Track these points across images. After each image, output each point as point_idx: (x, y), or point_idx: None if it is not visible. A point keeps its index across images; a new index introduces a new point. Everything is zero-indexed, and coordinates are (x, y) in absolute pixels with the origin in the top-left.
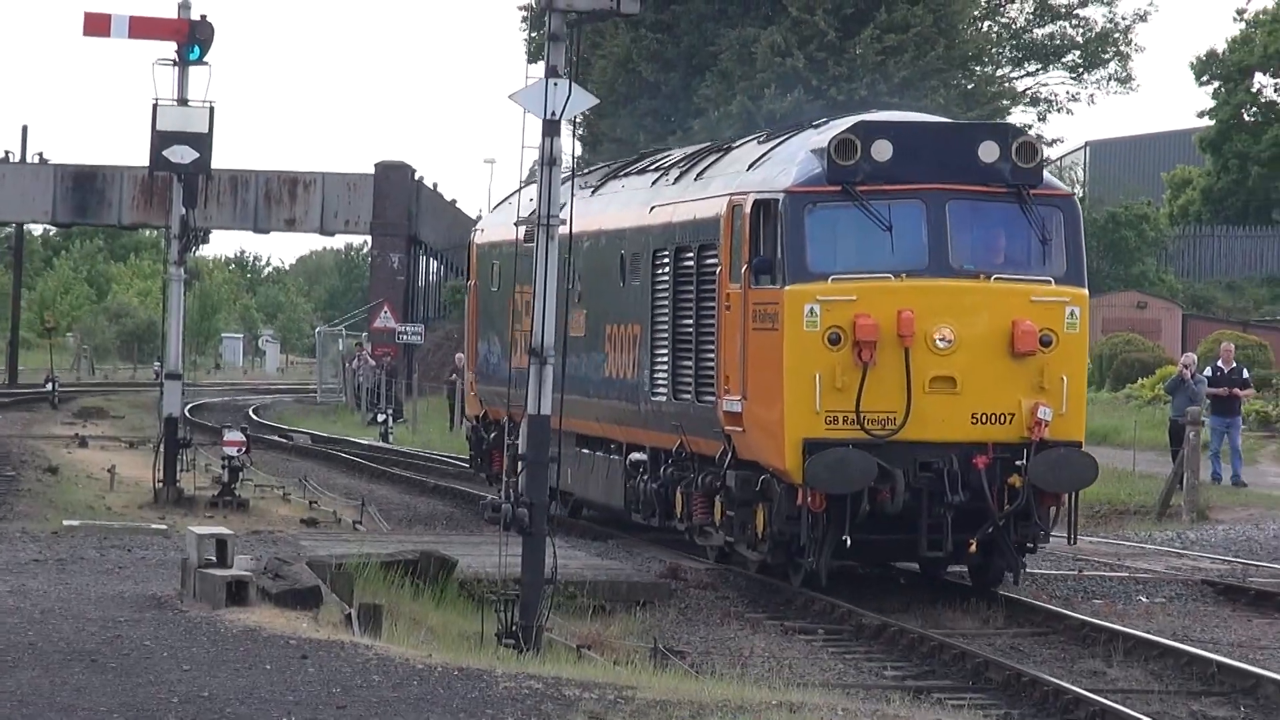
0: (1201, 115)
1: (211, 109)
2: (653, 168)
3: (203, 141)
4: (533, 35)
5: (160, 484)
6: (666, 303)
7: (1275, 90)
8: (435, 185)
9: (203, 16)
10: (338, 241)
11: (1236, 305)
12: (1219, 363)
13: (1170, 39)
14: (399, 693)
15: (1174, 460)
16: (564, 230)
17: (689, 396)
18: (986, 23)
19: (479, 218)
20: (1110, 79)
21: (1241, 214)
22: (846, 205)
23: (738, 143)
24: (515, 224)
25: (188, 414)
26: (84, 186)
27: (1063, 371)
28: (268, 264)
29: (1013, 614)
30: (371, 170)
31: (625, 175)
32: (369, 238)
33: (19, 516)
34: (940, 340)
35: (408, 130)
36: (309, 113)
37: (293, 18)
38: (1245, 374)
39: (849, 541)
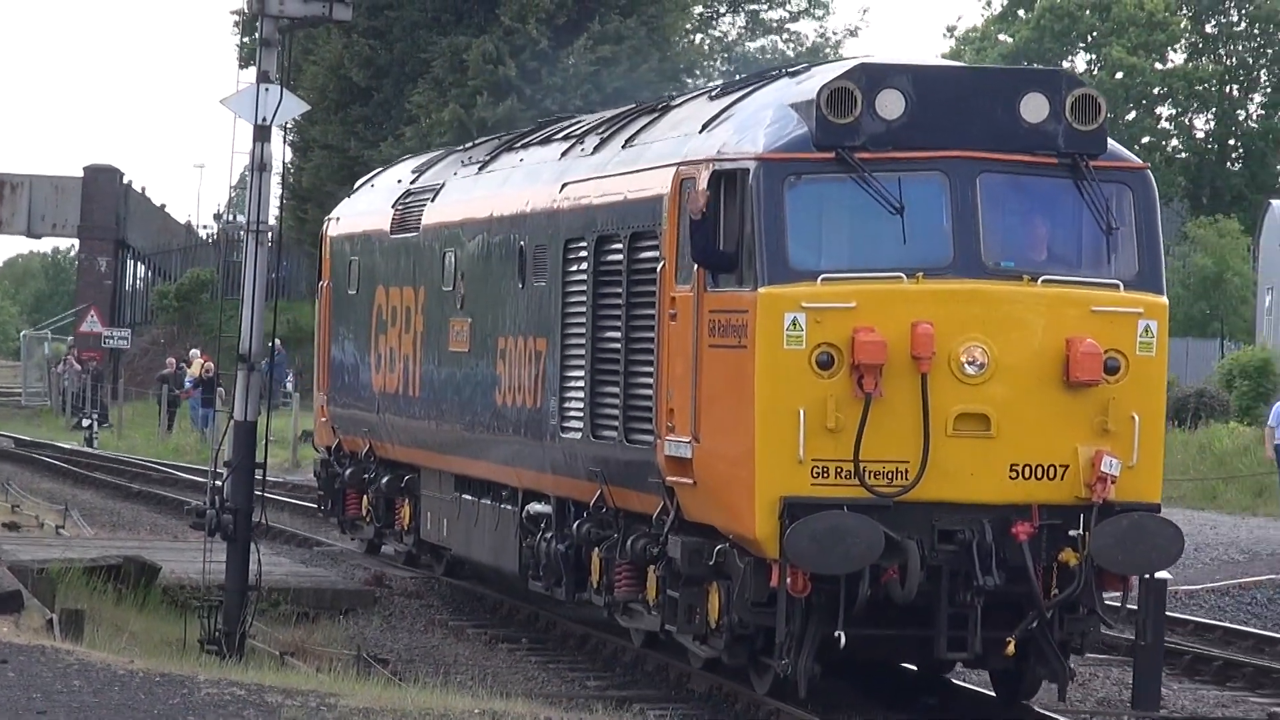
0: None
1: None
2: (561, 135)
3: None
4: (244, 40)
5: None
6: (583, 310)
7: None
8: (144, 190)
9: None
10: (45, 244)
11: None
12: None
13: (880, 55)
14: (100, 698)
15: None
16: (442, 217)
17: (614, 435)
18: (700, 35)
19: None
20: None
21: None
22: (842, 178)
23: (679, 99)
24: (392, 206)
25: None
26: None
27: (1133, 408)
28: None
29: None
30: (80, 173)
31: (524, 146)
32: (77, 241)
33: None
34: (969, 364)
35: (116, 133)
36: (15, 114)
37: None
38: None
39: (843, 639)
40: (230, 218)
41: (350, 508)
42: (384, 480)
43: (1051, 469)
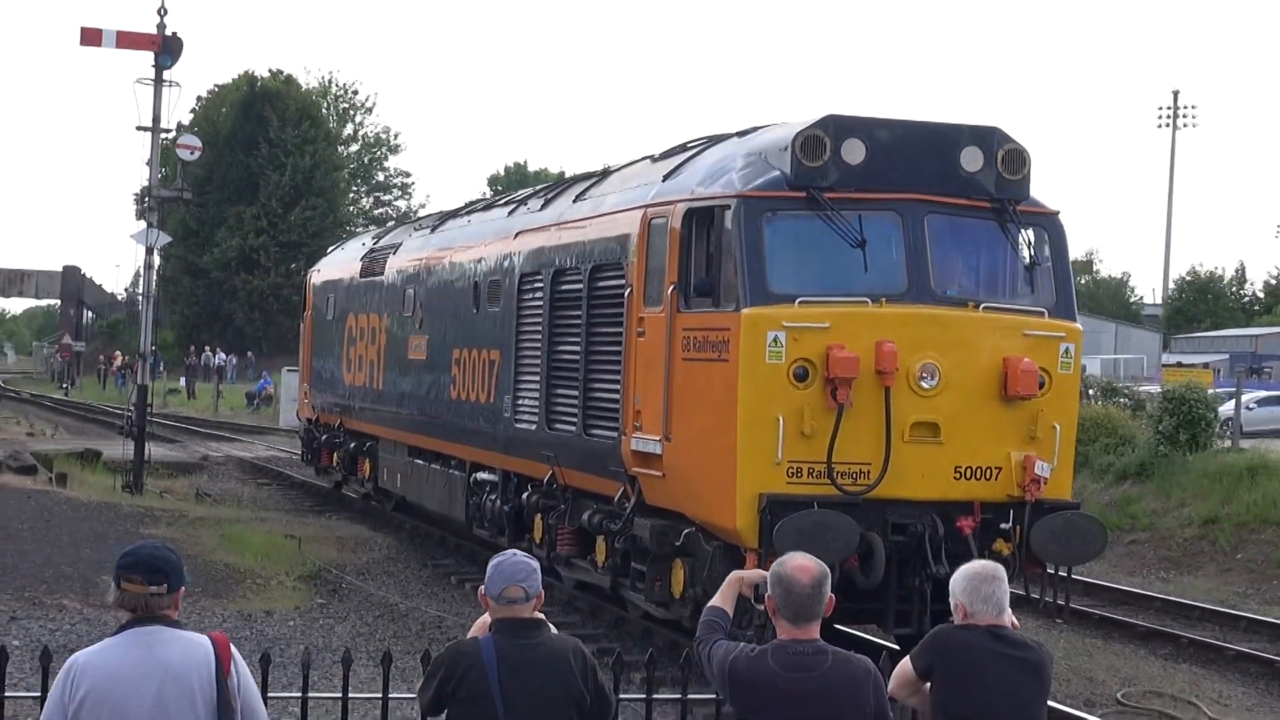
0: None
1: None
2: (502, 203)
3: None
4: (140, 205)
5: None
6: (538, 329)
7: None
8: (91, 276)
9: None
10: (43, 302)
11: None
12: None
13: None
14: (76, 514)
15: None
16: (403, 264)
17: (571, 429)
18: (351, 207)
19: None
20: None
21: None
22: (812, 215)
23: (615, 168)
24: (361, 258)
25: None
26: None
27: (1055, 419)
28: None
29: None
30: (60, 268)
31: (468, 214)
32: (59, 300)
33: None
34: (925, 379)
35: (79, 246)
36: (11, 231)
37: None
38: None
39: None
40: (133, 289)
41: (324, 460)
42: (351, 444)
43: (988, 470)
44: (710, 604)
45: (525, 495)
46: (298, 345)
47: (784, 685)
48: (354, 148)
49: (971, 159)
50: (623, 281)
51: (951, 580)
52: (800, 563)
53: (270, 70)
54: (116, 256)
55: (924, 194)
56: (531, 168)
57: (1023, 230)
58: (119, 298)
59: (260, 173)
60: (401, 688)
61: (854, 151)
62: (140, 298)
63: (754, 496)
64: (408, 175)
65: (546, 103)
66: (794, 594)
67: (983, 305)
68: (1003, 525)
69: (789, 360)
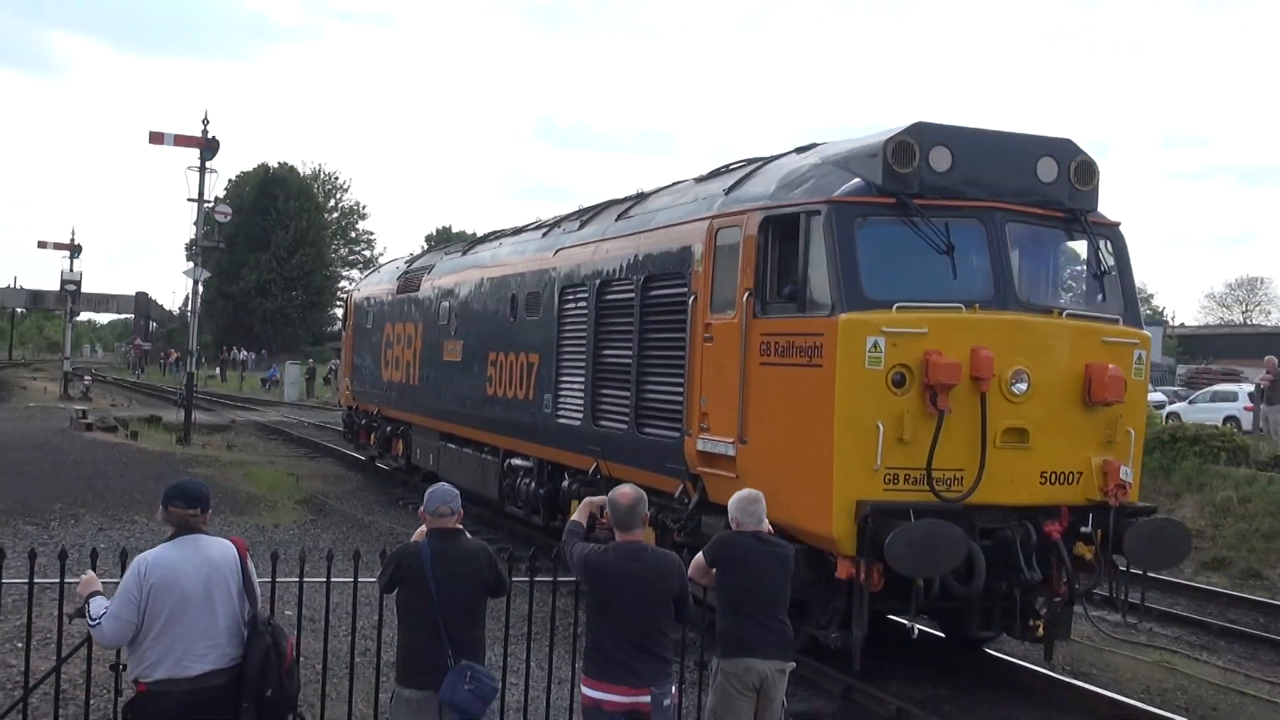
0: None
1: None
2: (533, 228)
3: None
4: (189, 251)
5: (63, 392)
6: (581, 334)
7: None
8: (155, 298)
9: None
10: (121, 316)
11: None
12: None
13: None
14: (144, 459)
15: None
16: (438, 281)
17: (623, 426)
18: (334, 254)
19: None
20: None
21: None
22: (900, 221)
23: (649, 191)
24: (397, 277)
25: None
26: None
27: (1130, 424)
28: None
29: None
30: (134, 293)
31: (497, 239)
32: (133, 315)
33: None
34: (1016, 385)
35: (149, 276)
36: (97, 266)
37: None
38: None
39: (915, 631)
40: (184, 308)
41: (362, 439)
42: (387, 428)
43: (1071, 475)
44: (571, 519)
45: (565, 482)
46: (298, 346)
47: (620, 571)
48: (335, 215)
49: (1047, 169)
50: (684, 290)
51: (729, 503)
52: (623, 489)
53: (279, 162)
54: (173, 285)
55: (1003, 203)
56: (455, 229)
57: (1093, 239)
58: (174, 313)
59: (271, 231)
60: (365, 574)
61: (941, 159)
62: (189, 313)
63: (850, 503)
64: (371, 233)
65: (461, 186)
66: (617, 511)
67: (1066, 313)
68: (1083, 529)
69: (887, 366)
